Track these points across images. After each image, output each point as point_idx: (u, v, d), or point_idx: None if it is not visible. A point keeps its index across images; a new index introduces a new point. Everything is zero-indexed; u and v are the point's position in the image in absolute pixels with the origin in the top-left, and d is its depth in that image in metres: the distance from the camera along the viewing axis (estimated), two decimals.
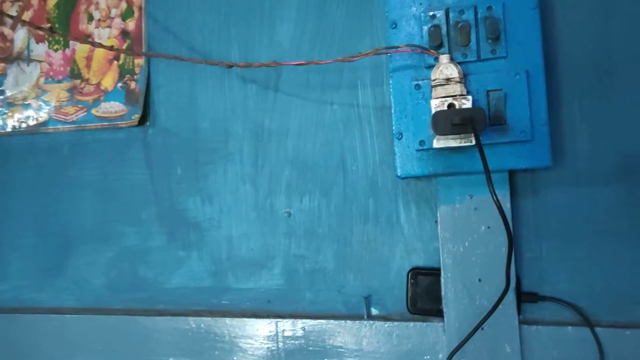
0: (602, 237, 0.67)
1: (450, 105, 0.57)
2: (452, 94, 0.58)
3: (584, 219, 0.67)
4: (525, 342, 0.67)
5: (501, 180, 0.66)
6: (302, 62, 0.61)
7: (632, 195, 0.66)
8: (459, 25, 0.61)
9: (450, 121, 0.52)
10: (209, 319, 0.77)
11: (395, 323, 0.71)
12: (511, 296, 0.66)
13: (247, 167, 0.78)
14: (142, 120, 0.82)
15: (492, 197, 0.49)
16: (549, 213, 0.69)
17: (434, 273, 0.71)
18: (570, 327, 0.67)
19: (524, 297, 0.68)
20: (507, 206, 0.66)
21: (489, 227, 0.67)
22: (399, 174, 0.64)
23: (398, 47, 0.60)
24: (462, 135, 0.57)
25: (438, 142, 0.59)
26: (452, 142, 0.59)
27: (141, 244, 0.82)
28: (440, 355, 0.69)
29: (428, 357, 0.70)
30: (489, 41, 0.60)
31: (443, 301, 0.68)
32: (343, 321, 0.73)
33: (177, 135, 0.81)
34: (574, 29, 0.67)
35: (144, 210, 0.82)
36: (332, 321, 0.73)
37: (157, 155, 0.82)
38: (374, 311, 0.74)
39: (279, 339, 0.75)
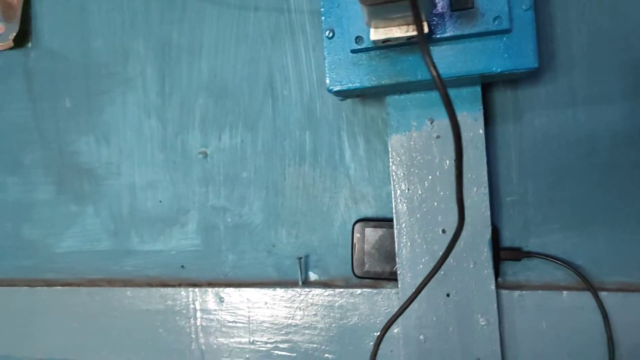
0: (607, 172, 0.51)
1: None
2: None
3: (582, 149, 0.52)
4: (505, 311, 0.52)
5: (471, 98, 0.50)
6: None
7: None
8: None
9: None
10: (106, 289, 0.62)
11: (338, 290, 0.56)
12: (485, 251, 0.51)
13: (152, 95, 0.62)
14: (22, 41, 0.65)
15: (443, 100, 0.33)
16: (537, 143, 0.53)
17: (385, 225, 0.55)
18: (565, 292, 0.51)
19: (504, 254, 0.53)
20: (478, 132, 0.51)
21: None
22: (329, 87, 0.48)
23: None
24: (406, 17, 0.41)
25: (376, 32, 0.43)
26: (396, 31, 0.42)
27: (24, 198, 0.66)
28: (396, 330, 0.54)
29: (377, 333, 0.54)
30: None
31: (397, 260, 0.53)
32: (272, 289, 0.57)
33: (65, 58, 0.65)
34: None
35: (27, 154, 0.66)
36: (259, 289, 0.58)
37: (41, 85, 0.66)
38: (312, 276, 0.58)
39: (194, 313, 0.59)
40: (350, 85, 0.48)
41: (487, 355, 0.50)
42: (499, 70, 0.45)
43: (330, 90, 0.48)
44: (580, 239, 0.52)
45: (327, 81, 0.48)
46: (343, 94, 0.50)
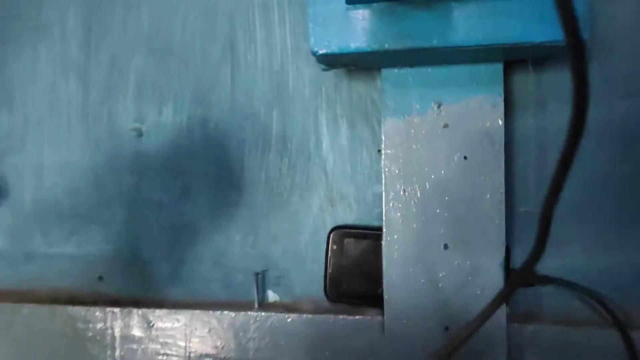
0: None
1: None
2: None
3: (617, 151, 0.42)
4: (515, 350, 0.42)
5: (491, 78, 0.40)
6: None
7: None
8: None
9: None
10: None
11: (305, 317, 0.44)
12: (497, 275, 0.40)
13: (72, 49, 0.48)
14: None
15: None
16: (562, 141, 0.43)
17: (371, 235, 0.44)
18: (585, 328, 0.42)
19: (514, 278, 0.43)
20: (497, 123, 0.40)
21: (465, 158, 0.40)
22: (313, 49, 0.36)
23: None
24: None
25: None
26: None
27: None
28: None
29: None
30: None
31: (384, 281, 0.41)
32: (219, 312, 0.45)
33: None
34: None
35: None
36: (201, 312, 0.45)
37: None
38: (271, 296, 0.46)
39: (112, 341, 0.46)
40: (343, 47, 0.36)
41: None
42: (539, 40, 0.34)
43: (314, 54, 0.36)
44: (611, 263, 0.43)
45: (312, 41, 0.36)
46: (330, 61, 0.39)
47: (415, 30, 0.35)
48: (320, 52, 0.36)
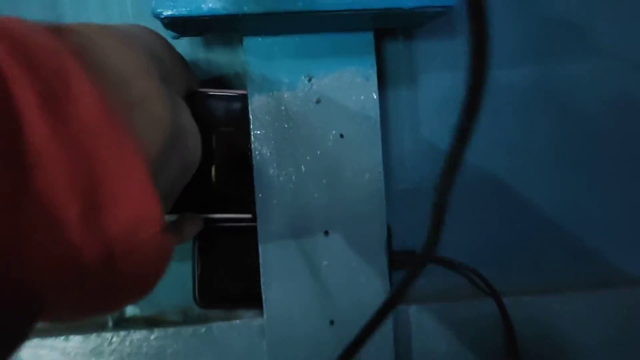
0: (514, 152, 0.44)
1: None
2: None
3: (483, 124, 0.44)
4: (401, 331, 0.42)
5: (362, 48, 0.38)
6: None
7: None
8: None
9: None
10: None
11: (173, 330, 0.39)
12: (380, 260, 0.39)
13: None
14: None
15: None
16: (433, 114, 0.44)
17: (244, 227, 0.40)
18: (463, 302, 0.43)
19: (397, 261, 0.42)
20: (372, 96, 0.39)
21: (342, 136, 0.38)
22: (155, 11, 0.31)
23: None
24: None
25: None
26: None
27: None
28: None
29: None
30: None
31: (262, 278, 0.38)
32: (63, 338, 0.37)
33: None
34: None
35: None
36: (36, 341, 0.37)
37: None
38: (129, 310, 0.40)
39: None
40: (193, 9, 0.31)
41: None
42: (410, 5, 0.33)
43: (158, 16, 0.31)
44: (480, 235, 0.45)
45: (154, 3, 0.30)
46: (179, 26, 0.33)
47: None
48: (165, 13, 0.30)
